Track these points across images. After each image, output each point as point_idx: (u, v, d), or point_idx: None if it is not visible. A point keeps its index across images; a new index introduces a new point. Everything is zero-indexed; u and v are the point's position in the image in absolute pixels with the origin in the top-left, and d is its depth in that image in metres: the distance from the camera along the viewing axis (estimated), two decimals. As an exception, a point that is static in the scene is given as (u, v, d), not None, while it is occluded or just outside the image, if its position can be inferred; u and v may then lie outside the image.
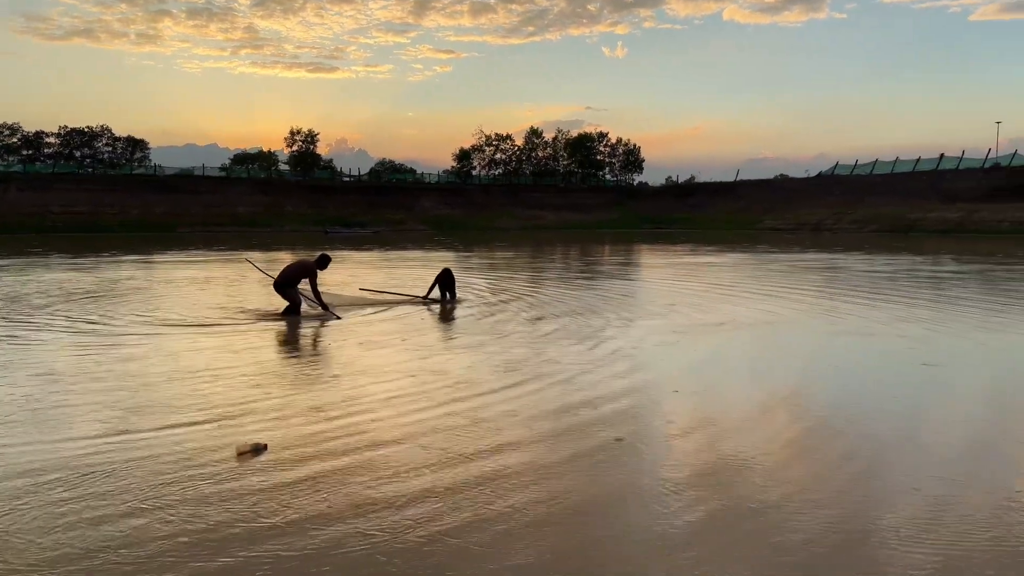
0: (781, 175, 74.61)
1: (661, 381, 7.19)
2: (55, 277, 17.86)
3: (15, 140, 65.85)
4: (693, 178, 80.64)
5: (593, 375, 7.28)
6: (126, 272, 19.84)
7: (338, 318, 10.90)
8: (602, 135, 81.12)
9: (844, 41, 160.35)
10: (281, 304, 11.35)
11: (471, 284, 16.26)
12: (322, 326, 10.41)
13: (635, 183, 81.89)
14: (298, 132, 70.14)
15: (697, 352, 8.74)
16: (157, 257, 26.64)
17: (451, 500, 4.09)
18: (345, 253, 30.04)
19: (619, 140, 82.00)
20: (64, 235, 43.53)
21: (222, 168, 66.30)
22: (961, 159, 59.35)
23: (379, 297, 13.30)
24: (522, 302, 13.43)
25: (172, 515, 3.85)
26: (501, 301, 13.56)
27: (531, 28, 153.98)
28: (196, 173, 63.40)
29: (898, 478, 4.48)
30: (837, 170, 68.87)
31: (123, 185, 56.89)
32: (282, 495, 4.15)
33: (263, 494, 4.17)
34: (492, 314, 11.82)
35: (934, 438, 5.39)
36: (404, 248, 34.64)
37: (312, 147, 71.02)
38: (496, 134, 76.82)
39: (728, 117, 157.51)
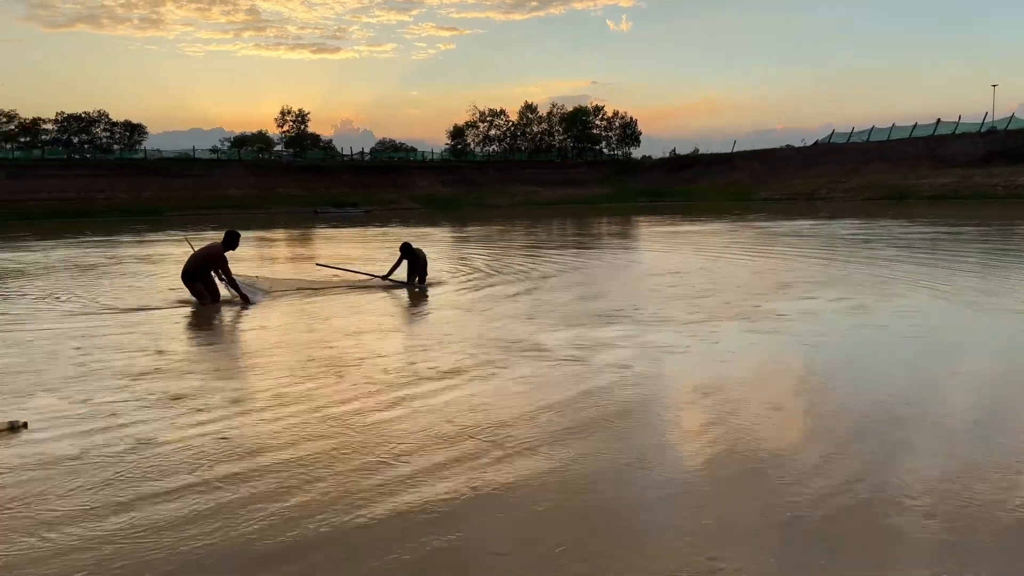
0: (787, 146, 73.70)
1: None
2: None
3: (12, 127, 66.06)
4: (697, 151, 79.87)
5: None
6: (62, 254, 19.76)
7: (252, 303, 9.92)
8: (598, 108, 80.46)
9: (854, 7, 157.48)
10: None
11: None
12: (242, 311, 9.61)
13: (632, 156, 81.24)
14: (288, 112, 69.90)
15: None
16: (121, 239, 26.58)
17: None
18: (333, 232, 30.26)
19: (615, 113, 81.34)
20: (51, 221, 43.58)
21: (213, 150, 66.13)
22: (958, 124, 58.53)
23: (334, 277, 11.94)
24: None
25: None
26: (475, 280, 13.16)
27: (534, 3, 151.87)
28: (187, 156, 63.19)
29: None
30: (833, 139, 68.09)
31: (112, 170, 56.79)
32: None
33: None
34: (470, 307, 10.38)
35: None
36: (389, 226, 34.57)
37: (304, 127, 70.77)
38: (490, 110, 76.32)
39: (735, 89, 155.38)
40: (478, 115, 75.83)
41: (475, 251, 18.70)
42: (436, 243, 21.92)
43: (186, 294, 10.19)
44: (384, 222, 38.63)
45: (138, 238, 27.02)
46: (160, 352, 7.05)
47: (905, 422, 4.68)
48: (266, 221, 42.00)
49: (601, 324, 8.13)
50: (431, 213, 50.37)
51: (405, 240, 12.10)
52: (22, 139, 65.61)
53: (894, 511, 3.39)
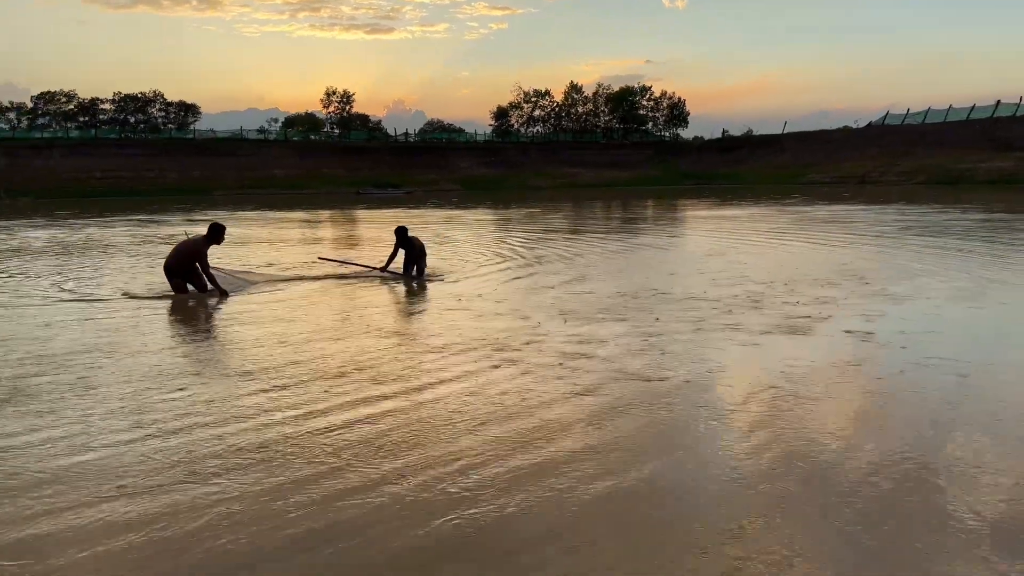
0: (846, 127, 71.49)
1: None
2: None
3: (71, 107, 68.28)
4: (751, 132, 78.16)
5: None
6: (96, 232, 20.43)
7: (227, 296, 9.53)
8: (645, 88, 79.36)
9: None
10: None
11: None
12: (217, 305, 9.22)
13: (681, 138, 79.95)
14: (333, 93, 70.62)
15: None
16: (162, 217, 27.29)
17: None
18: (369, 213, 30.71)
19: (663, 93, 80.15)
20: (104, 199, 44.96)
21: (260, 131, 67.27)
22: (1019, 106, 56.08)
23: (340, 268, 11.65)
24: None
25: None
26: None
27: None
28: (235, 137, 64.40)
29: None
30: (888, 121, 65.97)
31: (162, 150, 58.25)
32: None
33: None
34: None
35: None
36: (425, 207, 34.84)
37: (348, 107, 71.45)
38: (535, 90, 75.90)
39: (792, 68, 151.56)
40: (522, 96, 75.49)
41: (502, 235, 18.76)
42: (467, 226, 22.04)
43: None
44: (419, 203, 38.95)
45: (172, 217, 27.72)
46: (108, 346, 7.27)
47: None
48: (309, 201, 42.69)
49: (683, 316, 8.07)
50: (470, 195, 50.48)
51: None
52: (81, 119, 67.88)
53: None
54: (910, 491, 3.59)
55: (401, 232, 11.11)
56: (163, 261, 10.14)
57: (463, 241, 17.22)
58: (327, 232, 22.23)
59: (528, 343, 6.73)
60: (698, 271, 11.59)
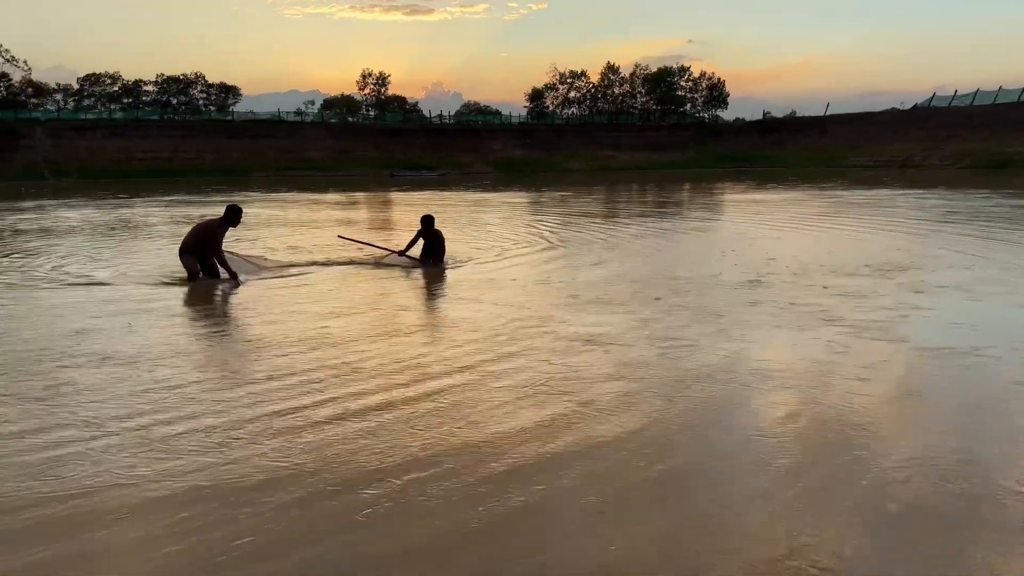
0: (892, 108, 69.64)
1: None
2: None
3: (116, 89, 69.63)
4: (794, 113, 76.53)
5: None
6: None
7: (241, 282, 9.44)
8: (683, 69, 78.10)
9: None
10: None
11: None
12: (231, 291, 9.13)
13: (721, 119, 78.60)
14: (369, 75, 70.85)
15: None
16: (198, 198, 27.74)
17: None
18: (406, 195, 30.93)
19: (703, 74, 78.79)
20: (144, 180, 45.83)
21: (297, 113, 67.82)
22: (1073, 86, 54.14)
23: (359, 251, 11.66)
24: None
25: None
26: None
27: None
28: (271, 119, 65.03)
29: None
30: (934, 103, 64.16)
31: (201, 131, 59.04)
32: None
33: None
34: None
35: None
36: (454, 190, 34.89)
37: (384, 89, 71.63)
38: (571, 71, 75.18)
39: (839, 49, 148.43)
40: (558, 77, 74.86)
41: (532, 218, 18.71)
42: (497, 209, 22.02)
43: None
44: (451, 186, 39.02)
45: (207, 199, 28.17)
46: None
47: None
48: (342, 183, 43.02)
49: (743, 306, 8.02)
50: (504, 177, 50.41)
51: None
52: (124, 100, 69.17)
53: None
54: (951, 482, 3.55)
55: (427, 221, 11.12)
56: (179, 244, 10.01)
57: (493, 224, 17.21)
58: (356, 214, 22.36)
59: (554, 329, 6.69)
60: (725, 257, 11.43)
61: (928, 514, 3.27)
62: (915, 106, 66.16)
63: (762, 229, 15.60)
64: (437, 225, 11.30)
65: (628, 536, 3.12)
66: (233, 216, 9.72)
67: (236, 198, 27.46)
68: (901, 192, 27.41)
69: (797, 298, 8.02)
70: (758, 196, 27.08)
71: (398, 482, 3.63)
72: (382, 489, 3.56)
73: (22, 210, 22.61)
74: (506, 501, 3.43)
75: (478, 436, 4.20)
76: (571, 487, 3.57)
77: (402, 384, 5.19)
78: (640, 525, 3.22)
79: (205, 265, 9.67)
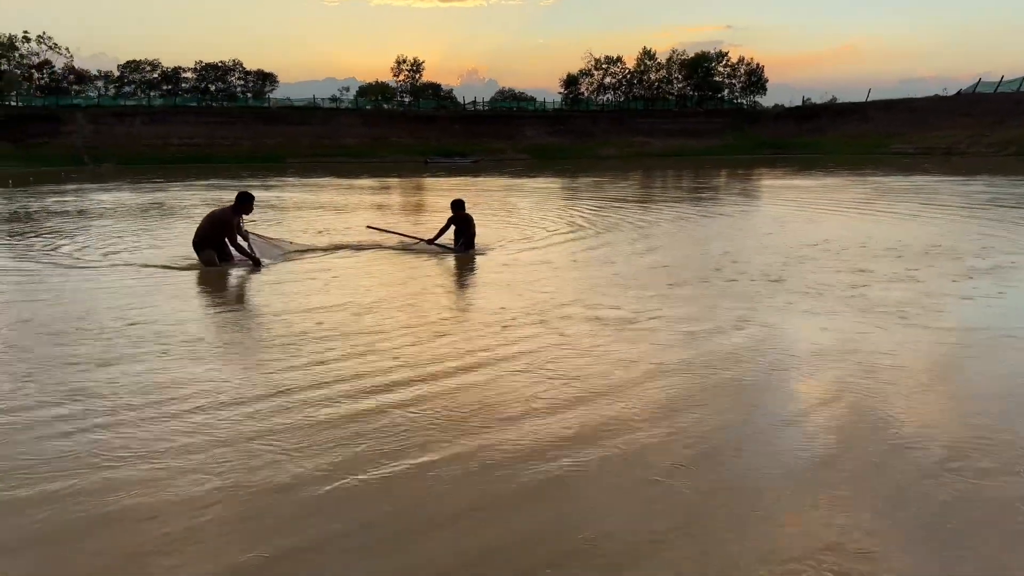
0: (936, 95, 67.78)
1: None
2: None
3: (155, 76, 70.58)
4: (835, 100, 74.85)
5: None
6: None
7: (263, 266, 9.36)
8: (721, 54, 76.84)
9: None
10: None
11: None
12: (249, 273, 9.04)
13: (759, 105, 77.18)
14: (404, 61, 70.80)
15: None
16: (233, 183, 27.96)
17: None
18: (439, 180, 30.94)
19: (740, 59, 77.44)
20: (180, 165, 46.43)
21: (332, 99, 68.08)
22: None
23: (390, 239, 11.48)
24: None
25: None
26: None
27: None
28: (307, 106, 65.37)
29: None
30: (979, 89, 62.37)
31: (238, 118, 59.59)
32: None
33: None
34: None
35: None
36: (483, 176, 34.82)
37: (418, 76, 71.54)
38: (606, 57, 74.32)
39: (880, 35, 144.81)
40: (593, 63, 74.10)
41: (566, 203, 18.56)
42: (530, 194, 21.89)
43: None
44: (484, 172, 38.93)
45: (241, 184, 28.42)
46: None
47: None
48: (376, 169, 43.20)
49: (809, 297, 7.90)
50: (537, 164, 50.18)
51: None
52: (164, 87, 70.09)
53: None
54: (994, 476, 3.38)
55: (457, 205, 10.98)
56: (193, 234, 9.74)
57: (525, 209, 17.10)
58: (388, 199, 22.38)
59: (586, 312, 6.61)
60: (761, 241, 11.22)
61: (971, 503, 3.11)
62: (959, 92, 64.41)
63: (800, 214, 15.30)
64: (469, 211, 11.16)
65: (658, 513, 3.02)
66: (245, 203, 9.54)
67: (271, 183, 27.69)
68: (942, 178, 26.71)
69: (833, 281, 7.81)
70: (796, 182, 26.58)
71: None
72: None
73: (63, 192, 23.04)
74: (534, 479, 3.37)
75: (505, 421, 4.11)
76: (597, 468, 3.49)
77: (433, 366, 5.13)
78: (667, 500, 3.12)
79: (223, 255, 9.48)
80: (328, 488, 3.32)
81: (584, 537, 2.90)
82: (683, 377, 4.80)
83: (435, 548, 2.86)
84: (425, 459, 3.59)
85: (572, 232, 12.83)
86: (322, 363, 5.16)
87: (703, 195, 22.44)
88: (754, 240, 11.52)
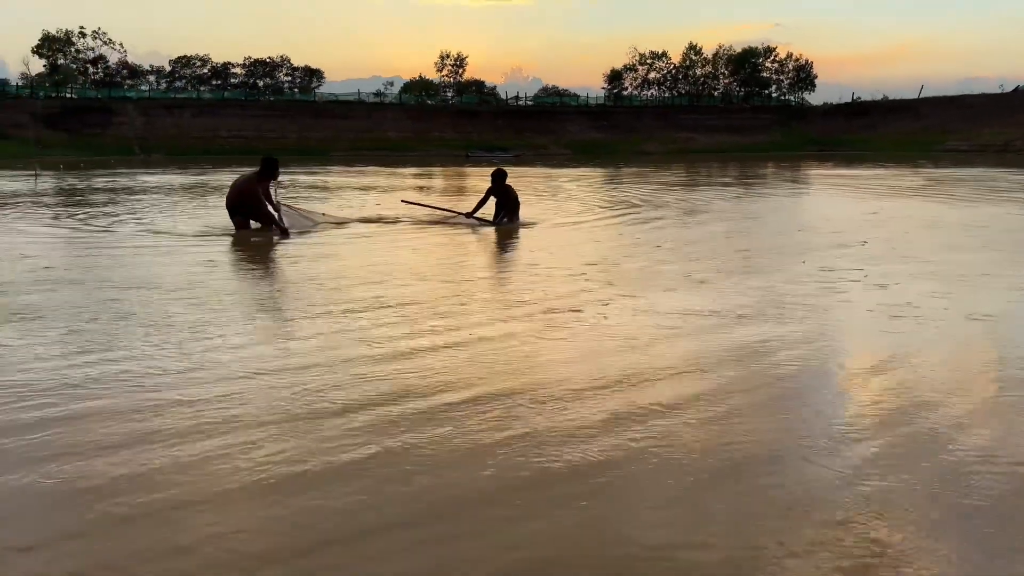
0: (992, 93, 65.59)
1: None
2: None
3: (205, 71, 71.88)
4: (886, 98, 73.06)
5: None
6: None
7: (287, 233, 9.22)
8: (769, 50, 75.44)
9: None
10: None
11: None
12: (276, 243, 8.96)
13: (807, 103, 75.56)
14: (447, 56, 70.92)
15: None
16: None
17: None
18: (480, 168, 30.99)
19: (789, 55, 76.04)
20: (228, 156, 47.10)
21: (376, 94, 68.50)
22: None
23: (421, 211, 11.34)
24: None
25: None
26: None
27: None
28: (351, 100, 65.87)
29: None
30: (1038, 83, 60.37)
31: (285, 112, 60.34)
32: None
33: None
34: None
35: None
36: (526, 165, 34.69)
37: (461, 71, 71.63)
38: (651, 52, 73.54)
39: (934, 33, 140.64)
40: (637, 58, 73.37)
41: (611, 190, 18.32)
42: (574, 179, 21.70)
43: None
44: (527, 163, 38.79)
45: (285, 174, 28.65)
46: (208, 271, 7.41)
47: None
48: (419, 161, 43.32)
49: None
50: (580, 158, 49.85)
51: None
52: (213, 82, 71.31)
53: None
54: None
55: (499, 176, 10.48)
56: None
57: (571, 191, 16.91)
58: (430, 182, 22.38)
59: (628, 292, 6.38)
60: (813, 227, 10.89)
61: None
62: (1017, 88, 62.42)
63: (854, 201, 14.86)
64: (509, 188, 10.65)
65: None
66: (270, 168, 9.45)
67: (315, 172, 27.91)
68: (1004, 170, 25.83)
69: (884, 271, 7.50)
70: (847, 171, 25.95)
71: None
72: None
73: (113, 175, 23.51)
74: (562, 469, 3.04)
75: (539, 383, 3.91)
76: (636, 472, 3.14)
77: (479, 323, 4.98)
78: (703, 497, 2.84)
79: (255, 216, 9.48)
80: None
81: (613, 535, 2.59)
82: (719, 362, 4.57)
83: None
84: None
85: (620, 212, 12.60)
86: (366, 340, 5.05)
87: (753, 182, 21.98)
88: (805, 226, 11.16)
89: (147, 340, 4.41)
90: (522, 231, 10.10)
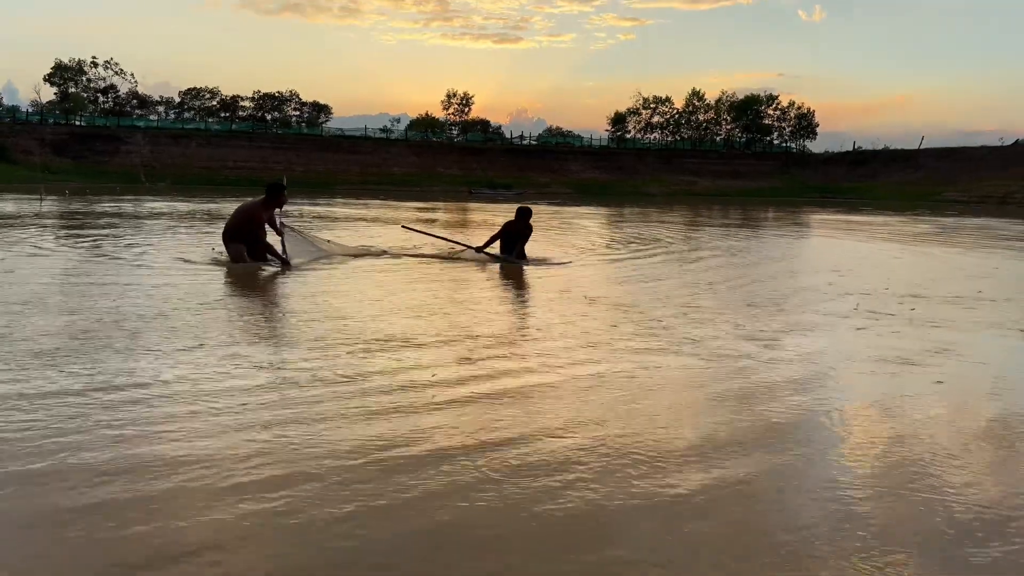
0: (991, 146, 65.88)
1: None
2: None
3: (214, 103, 72.68)
4: (886, 148, 73.68)
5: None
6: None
7: (290, 268, 8.66)
8: (771, 97, 76.35)
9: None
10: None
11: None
12: (263, 270, 8.53)
13: (808, 151, 76.11)
14: (454, 95, 71.77)
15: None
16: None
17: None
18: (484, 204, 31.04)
19: (791, 103, 76.90)
20: (234, 187, 47.31)
21: (383, 130, 69.20)
22: None
23: (430, 241, 11.02)
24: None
25: None
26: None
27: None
28: (357, 136, 66.49)
29: None
30: (1036, 137, 60.95)
31: (292, 145, 60.93)
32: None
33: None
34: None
35: None
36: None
37: (467, 109, 72.45)
38: (655, 96, 74.51)
39: (934, 87, 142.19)
40: (641, 102, 74.23)
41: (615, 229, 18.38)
42: (578, 219, 21.78)
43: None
44: (530, 200, 38.99)
45: (290, 205, 28.78)
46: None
47: None
48: (422, 196, 43.52)
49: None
50: (580, 197, 50.10)
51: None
52: (222, 114, 72.06)
53: None
54: None
55: (525, 214, 10.14)
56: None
57: (579, 228, 16.93)
58: (434, 215, 22.43)
59: (635, 331, 6.39)
60: (817, 274, 10.90)
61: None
62: (1016, 141, 63.05)
63: (857, 248, 14.91)
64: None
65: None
66: (275, 194, 8.97)
67: (319, 202, 28.02)
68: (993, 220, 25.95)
69: (889, 318, 7.49)
70: (861, 218, 26.07)
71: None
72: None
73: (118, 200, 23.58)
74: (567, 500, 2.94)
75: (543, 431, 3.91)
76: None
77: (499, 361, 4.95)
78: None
79: (254, 251, 8.82)
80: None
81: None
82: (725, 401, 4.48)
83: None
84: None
85: (624, 252, 12.56)
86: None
87: (754, 225, 22.05)
88: (813, 271, 11.16)
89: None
90: (529, 270, 9.91)
